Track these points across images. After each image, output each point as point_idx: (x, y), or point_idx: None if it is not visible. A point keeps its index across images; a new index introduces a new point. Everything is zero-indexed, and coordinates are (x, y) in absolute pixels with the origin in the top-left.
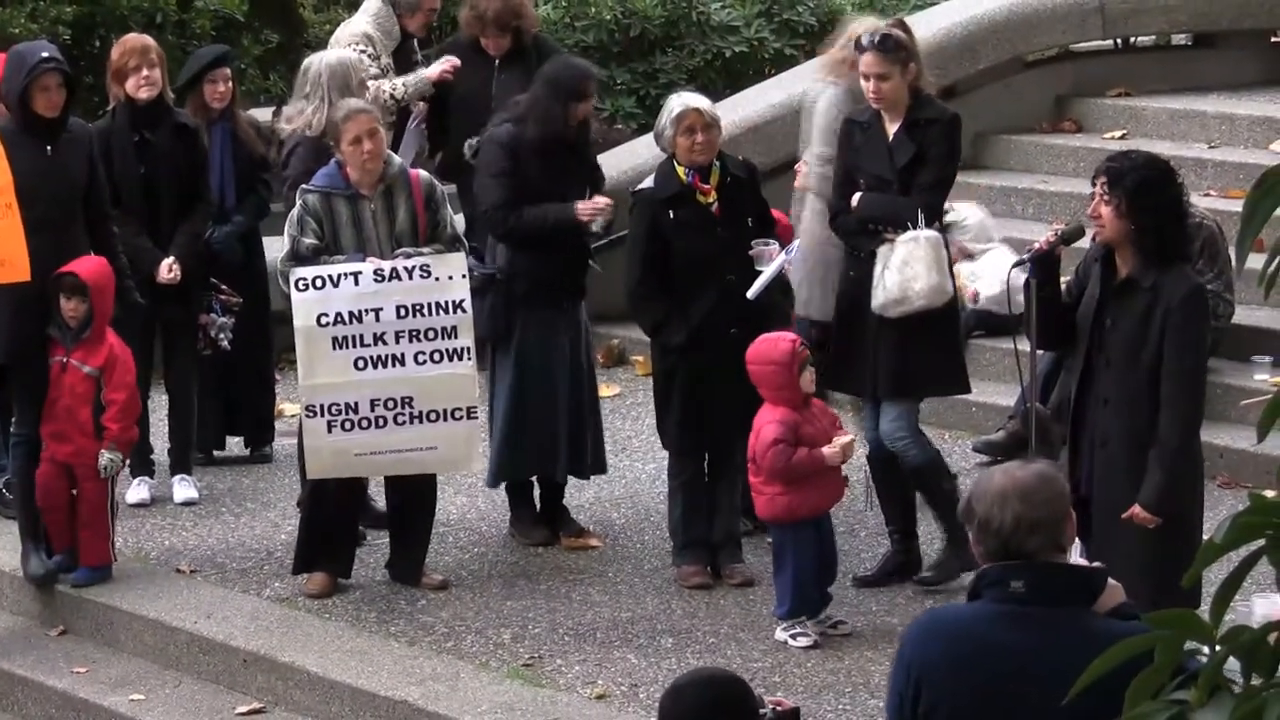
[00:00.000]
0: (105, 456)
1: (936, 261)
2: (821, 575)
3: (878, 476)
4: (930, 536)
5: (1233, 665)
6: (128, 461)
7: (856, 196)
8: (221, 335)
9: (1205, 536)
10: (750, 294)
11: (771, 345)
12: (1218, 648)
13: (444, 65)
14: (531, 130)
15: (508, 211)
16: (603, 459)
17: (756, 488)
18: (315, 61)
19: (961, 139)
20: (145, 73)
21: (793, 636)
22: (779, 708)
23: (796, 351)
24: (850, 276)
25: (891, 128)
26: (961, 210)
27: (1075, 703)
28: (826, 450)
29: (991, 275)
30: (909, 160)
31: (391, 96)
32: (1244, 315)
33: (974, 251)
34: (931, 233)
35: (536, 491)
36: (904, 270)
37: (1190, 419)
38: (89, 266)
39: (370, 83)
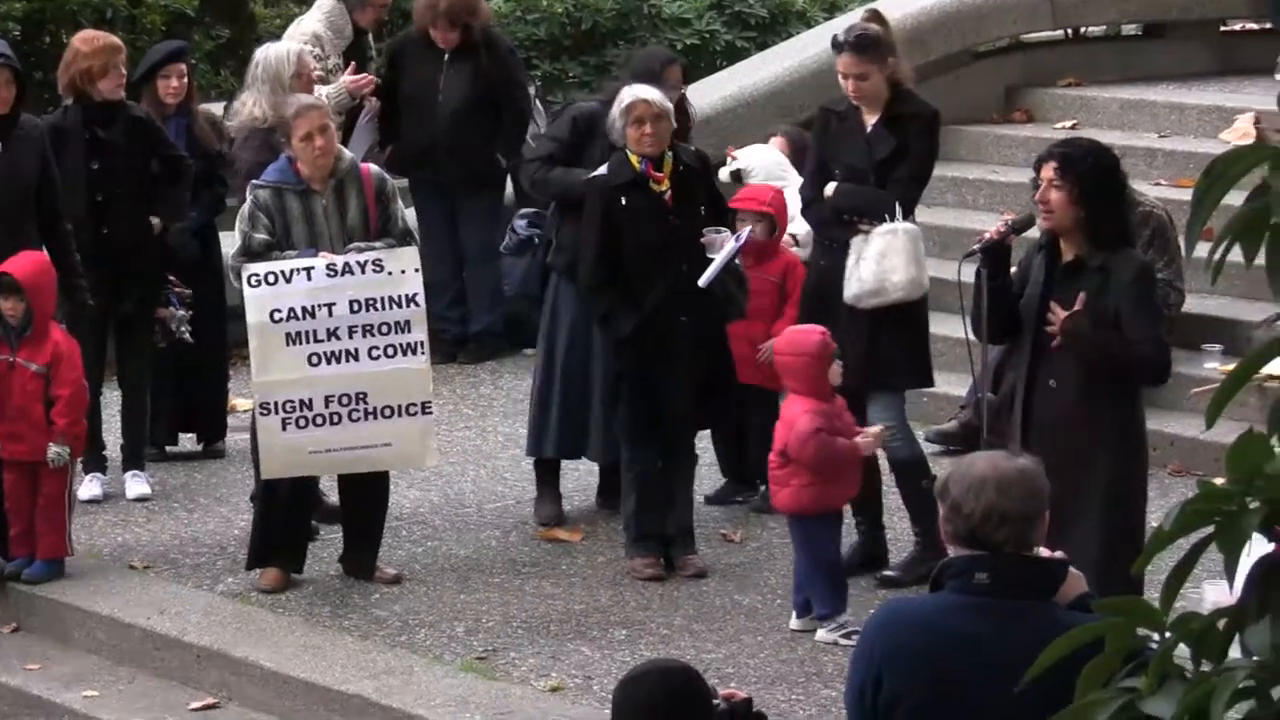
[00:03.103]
0: (53, 449)
1: (915, 255)
2: (843, 570)
3: None
4: (899, 533)
5: (1183, 652)
6: (80, 458)
7: (830, 186)
8: (181, 328)
9: (1155, 525)
10: (702, 282)
11: (803, 336)
12: (1168, 635)
13: (354, 79)
14: (604, 111)
15: (539, 164)
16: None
17: (781, 480)
18: (258, 53)
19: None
20: (123, 71)
21: (845, 635)
22: (731, 699)
23: (827, 343)
24: (820, 266)
25: (870, 119)
26: (745, 157)
27: (1033, 692)
28: (860, 440)
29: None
30: (888, 154)
31: None
32: (1194, 304)
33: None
34: (910, 225)
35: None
36: (881, 262)
37: (1150, 362)
38: (23, 265)
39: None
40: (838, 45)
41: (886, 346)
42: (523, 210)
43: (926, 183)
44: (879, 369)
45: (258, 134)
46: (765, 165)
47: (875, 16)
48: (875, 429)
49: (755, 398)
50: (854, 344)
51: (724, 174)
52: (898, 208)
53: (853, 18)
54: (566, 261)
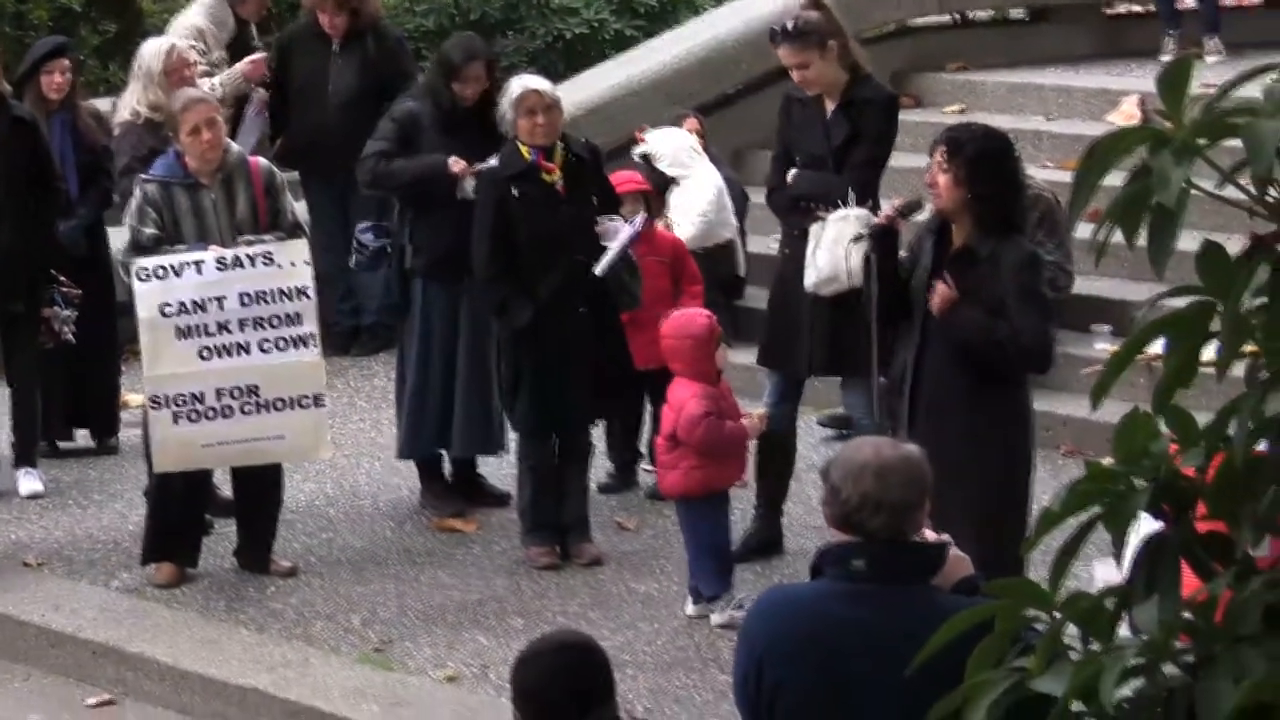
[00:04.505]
0: None
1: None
2: (729, 553)
3: (765, 450)
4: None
5: (1073, 632)
6: None
7: (791, 173)
8: (65, 328)
9: (1044, 505)
10: (599, 270)
11: (689, 320)
12: (1057, 614)
13: (249, 62)
14: (423, 108)
15: (376, 159)
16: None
17: (669, 463)
18: (140, 48)
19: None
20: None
21: (737, 608)
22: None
23: (713, 327)
24: (785, 254)
25: (829, 105)
26: (653, 140)
27: (920, 677)
28: (746, 423)
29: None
30: (844, 139)
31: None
32: (1083, 285)
33: (677, 177)
34: (862, 211)
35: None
36: (835, 249)
37: (1032, 352)
38: None
39: (201, 80)
40: (774, 37)
41: (852, 333)
42: (362, 225)
43: (884, 167)
44: (845, 355)
45: (134, 129)
46: (673, 150)
47: (814, 3)
48: (759, 411)
49: (657, 380)
50: (819, 332)
51: (635, 155)
52: (851, 193)
53: (752, 6)
54: (427, 262)
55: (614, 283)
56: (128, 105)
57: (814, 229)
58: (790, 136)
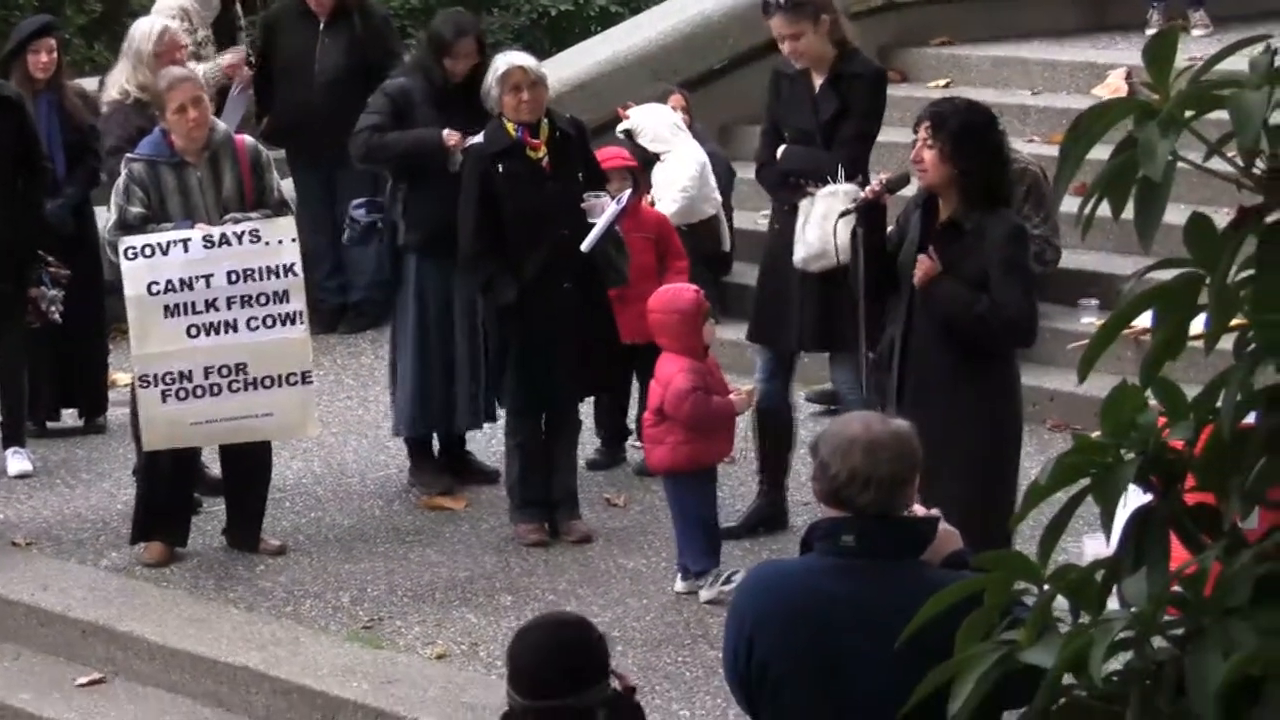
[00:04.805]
0: None
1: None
2: (717, 528)
3: (761, 425)
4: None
5: (1062, 605)
6: None
7: (780, 149)
8: (52, 308)
9: (1033, 479)
10: (585, 246)
11: (675, 295)
12: (1046, 587)
13: (232, 57)
14: (414, 83)
15: (369, 133)
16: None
17: (655, 437)
18: (130, 28)
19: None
20: None
21: (725, 582)
22: (624, 682)
23: (700, 302)
24: (774, 230)
25: (818, 80)
26: (636, 116)
27: (907, 651)
28: (734, 398)
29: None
30: (833, 114)
31: None
32: (1070, 259)
33: (660, 153)
34: (852, 186)
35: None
36: (824, 224)
37: (1015, 326)
38: None
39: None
40: (768, 8)
41: (841, 309)
42: (356, 201)
43: (872, 142)
44: (836, 331)
45: (122, 109)
46: (655, 125)
47: None
48: (747, 387)
49: (645, 356)
50: (809, 307)
51: (617, 131)
52: (840, 169)
53: None
54: (421, 238)
55: (600, 259)
56: (116, 84)
57: (803, 204)
58: (779, 112)
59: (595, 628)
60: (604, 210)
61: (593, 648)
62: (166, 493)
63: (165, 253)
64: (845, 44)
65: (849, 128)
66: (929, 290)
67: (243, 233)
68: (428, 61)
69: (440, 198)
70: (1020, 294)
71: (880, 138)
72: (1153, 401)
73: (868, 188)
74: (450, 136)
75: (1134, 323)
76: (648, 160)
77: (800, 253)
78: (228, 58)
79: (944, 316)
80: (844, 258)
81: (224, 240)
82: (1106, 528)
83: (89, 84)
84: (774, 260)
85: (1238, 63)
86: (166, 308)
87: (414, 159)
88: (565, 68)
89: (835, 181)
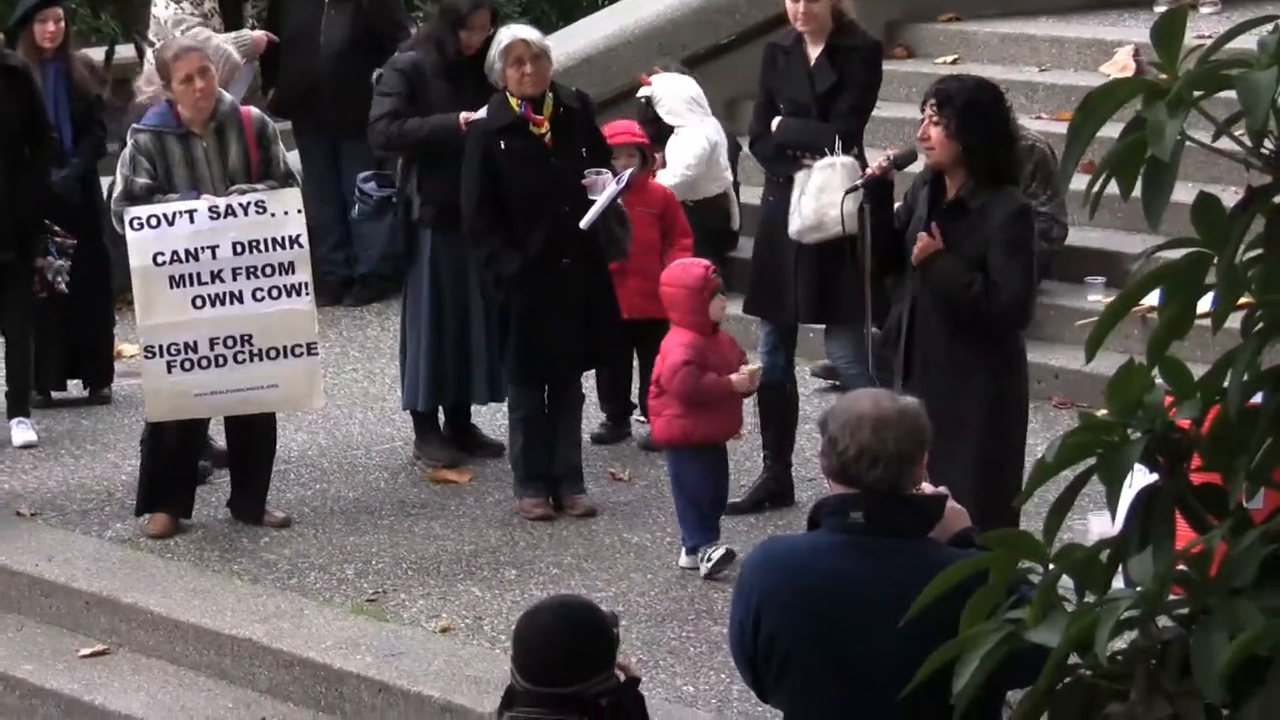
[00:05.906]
0: None
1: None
2: (715, 506)
3: (765, 400)
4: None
5: (1067, 584)
6: None
7: (775, 121)
8: (58, 278)
9: (1039, 457)
10: (583, 223)
11: (684, 270)
12: (1051, 566)
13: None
14: (425, 56)
15: (388, 120)
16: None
17: (655, 410)
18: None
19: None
20: None
21: (724, 560)
22: (626, 671)
23: (709, 278)
24: (770, 202)
25: (814, 52)
26: (657, 84)
27: (913, 628)
28: (734, 377)
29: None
30: (829, 87)
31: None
32: (1077, 237)
33: (674, 125)
34: (848, 159)
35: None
36: (820, 197)
37: (1011, 307)
38: None
39: (206, 33)
40: None
41: (836, 281)
42: (364, 175)
43: (868, 115)
44: (831, 303)
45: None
46: (672, 95)
47: None
48: (750, 367)
49: (648, 330)
50: (805, 279)
51: (639, 95)
52: (838, 141)
53: None
54: (436, 213)
55: (602, 233)
56: (144, 92)
57: (799, 177)
58: (774, 83)
59: (604, 615)
60: (604, 188)
61: (601, 637)
62: (171, 464)
63: (171, 224)
64: (842, 16)
65: (845, 101)
66: (926, 267)
67: (248, 204)
68: (442, 33)
69: (454, 173)
70: (1020, 275)
71: (887, 114)
72: (1159, 381)
73: (875, 164)
74: (467, 119)
75: (1141, 301)
76: (662, 132)
77: (796, 224)
78: (260, 34)
79: (940, 294)
80: (849, 228)
81: (230, 211)
82: (1112, 507)
83: (95, 54)
84: (769, 232)
85: (1246, 42)
86: (172, 279)
87: (432, 145)
88: (572, 41)
89: (832, 154)
